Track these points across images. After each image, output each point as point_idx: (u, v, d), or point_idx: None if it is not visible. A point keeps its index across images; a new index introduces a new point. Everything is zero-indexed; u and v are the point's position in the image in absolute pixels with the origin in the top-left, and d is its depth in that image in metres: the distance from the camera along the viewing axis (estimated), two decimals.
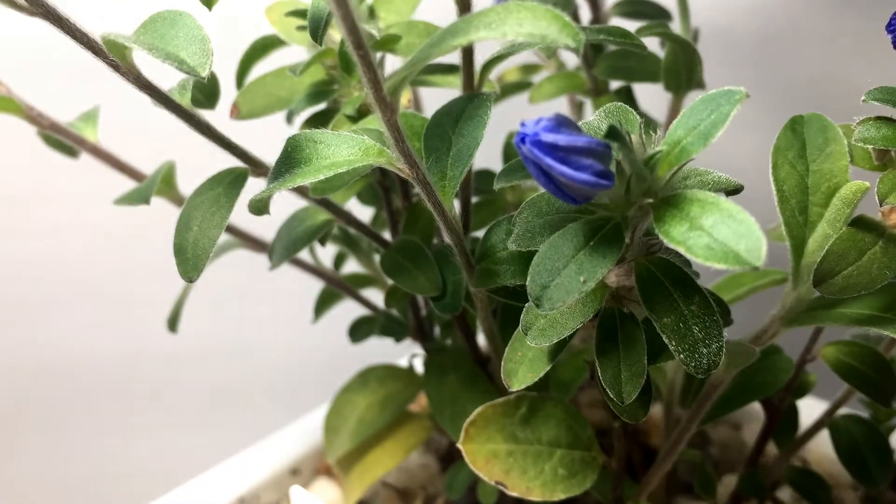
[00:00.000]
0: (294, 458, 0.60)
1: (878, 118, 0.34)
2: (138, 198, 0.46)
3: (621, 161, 0.29)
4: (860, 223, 0.33)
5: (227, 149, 0.40)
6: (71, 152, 0.50)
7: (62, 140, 0.48)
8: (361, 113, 0.44)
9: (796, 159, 0.35)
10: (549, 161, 0.26)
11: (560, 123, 0.26)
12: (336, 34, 0.44)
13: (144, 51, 0.33)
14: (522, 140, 0.26)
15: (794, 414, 0.50)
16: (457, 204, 0.44)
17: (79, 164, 0.52)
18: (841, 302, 0.35)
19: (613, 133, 0.26)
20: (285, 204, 0.46)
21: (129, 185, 0.50)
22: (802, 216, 0.35)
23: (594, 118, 0.34)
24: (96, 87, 0.55)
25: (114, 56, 0.35)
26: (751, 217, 0.26)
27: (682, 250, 0.26)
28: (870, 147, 0.34)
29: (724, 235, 0.26)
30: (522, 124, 0.26)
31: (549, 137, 0.26)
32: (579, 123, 0.33)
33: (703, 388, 0.41)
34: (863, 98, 0.33)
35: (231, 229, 0.55)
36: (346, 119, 0.44)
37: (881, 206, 0.34)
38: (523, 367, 0.36)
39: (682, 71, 0.54)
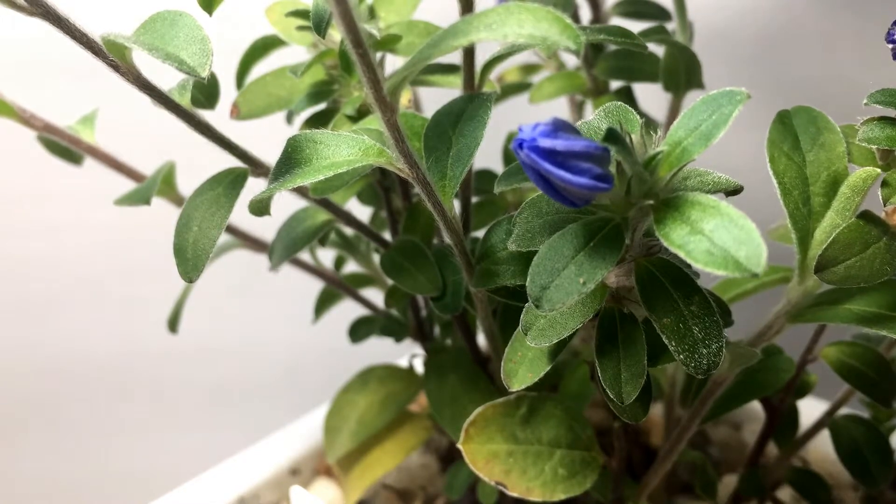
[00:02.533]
0: (294, 458, 0.60)
1: (882, 118, 0.34)
2: (139, 198, 0.46)
3: (622, 162, 0.29)
4: (867, 217, 0.33)
5: (227, 149, 0.40)
6: (73, 158, 0.50)
7: (62, 144, 0.47)
8: (361, 113, 0.44)
9: (792, 151, 0.35)
10: (547, 166, 0.26)
11: (557, 128, 0.26)
12: (336, 35, 0.44)
13: (144, 51, 0.33)
14: (520, 145, 0.26)
15: (794, 414, 0.50)
16: (457, 204, 0.44)
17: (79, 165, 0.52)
18: (847, 298, 0.35)
19: (612, 136, 0.26)
20: (285, 204, 0.46)
21: (129, 184, 0.50)
22: (806, 207, 0.35)
23: (594, 118, 0.34)
24: (96, 87, 0.55)
25: (113, 56, 0.35)
26: (751, 223, 0.25)
27: (682, 254, 0.26)
28: (874, 147, 0.34)
29: (724, 241, 0.26)
30: (520, 129, 0.26)
31: (546, 143, 0.26)
32: (578, 124, 0.33)
33: (705, 387, 0.41)
34: (864, 101, 0.33)
35: (231, 229, 0.55)
36: (346, 119, 0.43)
37: (885, 206, 0.33)
38: (523, 367, 0.36)
39: (681, 72, 0.54)
